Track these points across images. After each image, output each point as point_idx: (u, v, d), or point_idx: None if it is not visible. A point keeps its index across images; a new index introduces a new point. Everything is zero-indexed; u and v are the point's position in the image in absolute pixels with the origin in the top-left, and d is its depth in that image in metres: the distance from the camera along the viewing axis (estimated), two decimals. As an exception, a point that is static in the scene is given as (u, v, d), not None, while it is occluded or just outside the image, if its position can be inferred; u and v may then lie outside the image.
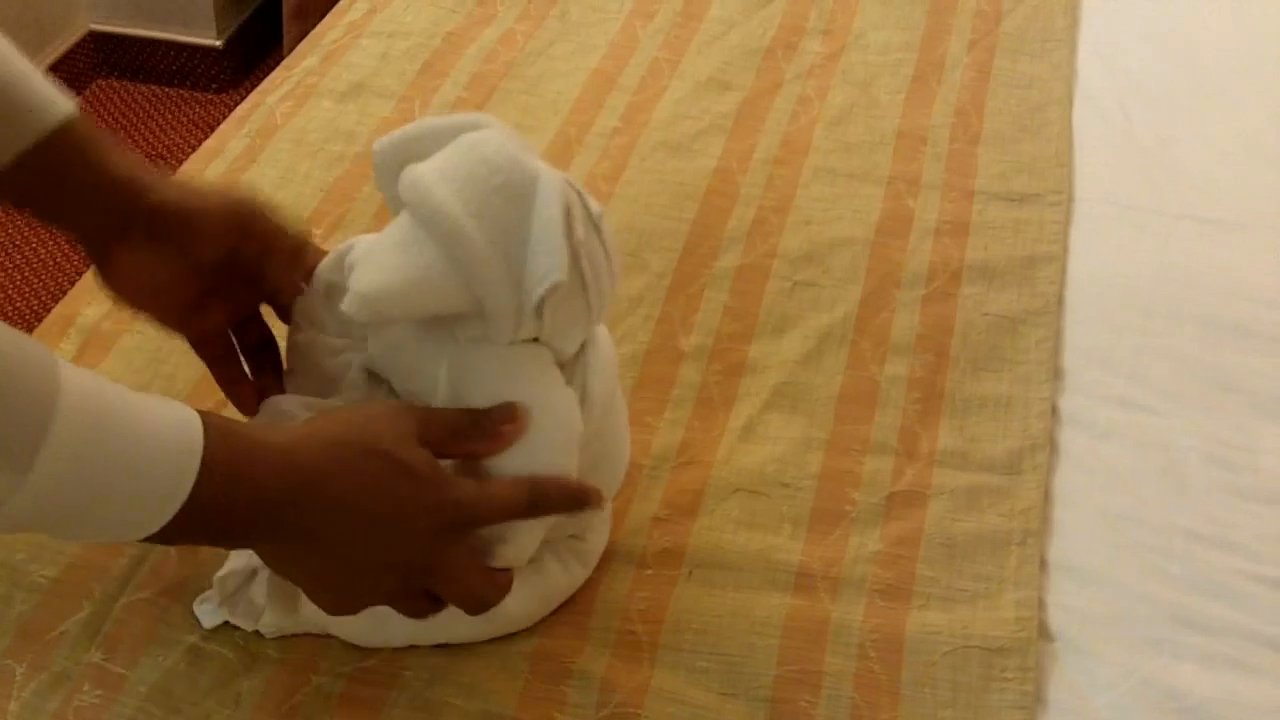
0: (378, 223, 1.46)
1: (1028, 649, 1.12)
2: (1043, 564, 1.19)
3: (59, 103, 1.06)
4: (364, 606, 1.02)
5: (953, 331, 1.39)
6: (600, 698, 1.08)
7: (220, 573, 1.07)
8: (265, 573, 1.06)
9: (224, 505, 0.90)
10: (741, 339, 1.38)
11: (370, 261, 1.02)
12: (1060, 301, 1.43)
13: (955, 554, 1.20)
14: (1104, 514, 1.24)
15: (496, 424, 1.02)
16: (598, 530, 1.17)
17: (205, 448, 0.88)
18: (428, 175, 1.00)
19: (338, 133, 1.60)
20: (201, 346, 1.16)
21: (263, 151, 1.56)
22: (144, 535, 0.88)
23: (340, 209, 1.49)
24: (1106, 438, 1.30)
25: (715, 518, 1.23)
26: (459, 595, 1.02)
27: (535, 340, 1.04)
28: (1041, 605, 1.16)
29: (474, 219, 0.98)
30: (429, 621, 1.07)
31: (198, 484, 0.88)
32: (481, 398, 1.03)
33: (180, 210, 1.08)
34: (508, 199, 1.00)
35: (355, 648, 1.11)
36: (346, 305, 1.00)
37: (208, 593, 1.11)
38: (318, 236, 1.44)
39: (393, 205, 1.07)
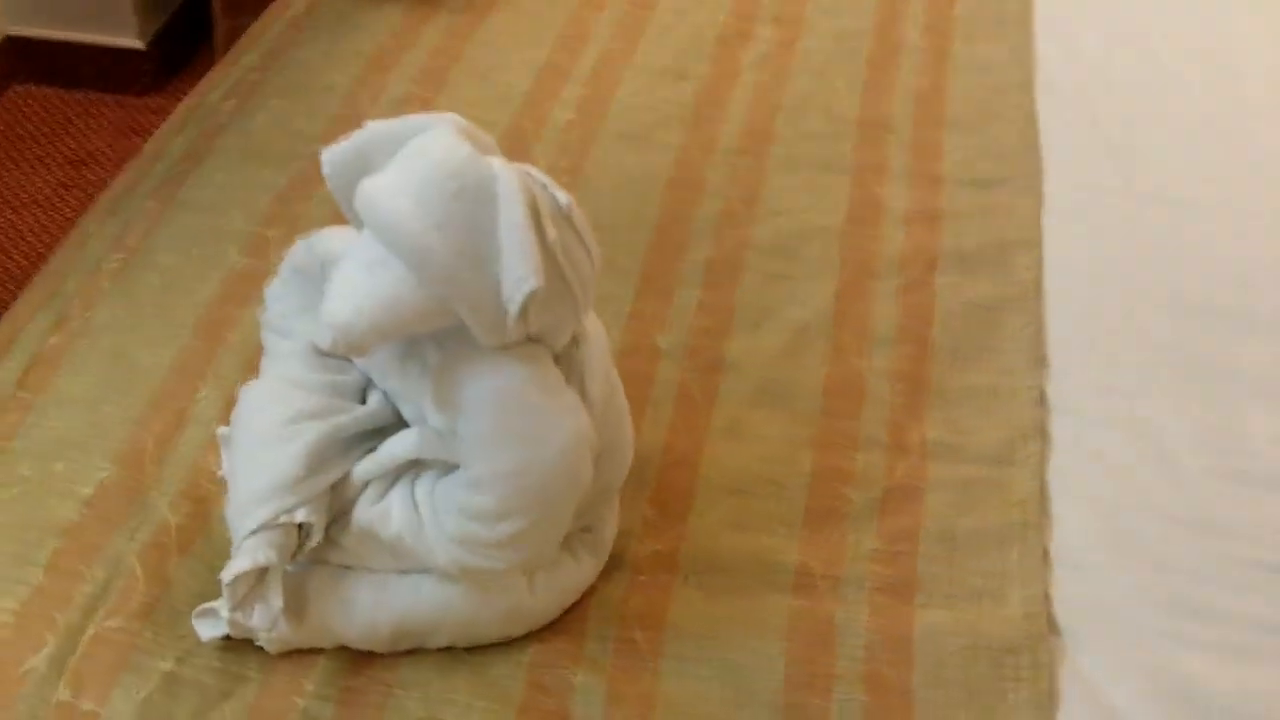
0: (337, 224, 1.40)
1: (1038, 647, 1.09)
2: (1044, 557, 1.17)
3: None
4: None
5: (932, 321, 1.36)
6: (605, 711, 1.04)
7: (226, 577, 1.00)
8: (278, 571, 1.01)
9: None
10: (718, 334, 1.34)
11: (340, 289, 0.96)
12: (1039, 288, 1.40)
13: (956, 550, 1.17)
14: (1100, 504, 1.21)
15: None
16: (608, 521, 1.12)
17: None
18: (382, 191, 0.94)
19: (286, 131, 1.54)
20: None
21: (208, 153, 1.49)
22: None
23: (295, 210, 1.43)
24: (1095, 426, 1.28)
25: (707, 520, 1.18)
26: None
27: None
28: (1046, 600, 1.13)
29: (436, 231, 0.93)
30: (452, 621, 1.04)
31: None
32: (479, 412, 0.98)
33: None
34: (469, 204, 0.94)
35: (341, 666, 1.05)
36: (321, 340, 0.95)
37: (209, 604, 1.04)
38: (274, 240, 1.39)
39: (354, 221, 1.02)
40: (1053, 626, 1.12)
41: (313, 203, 1.44)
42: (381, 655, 1.06)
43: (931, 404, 1.29)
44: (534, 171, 0.99)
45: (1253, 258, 1.45)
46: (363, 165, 0.99)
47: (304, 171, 1.48)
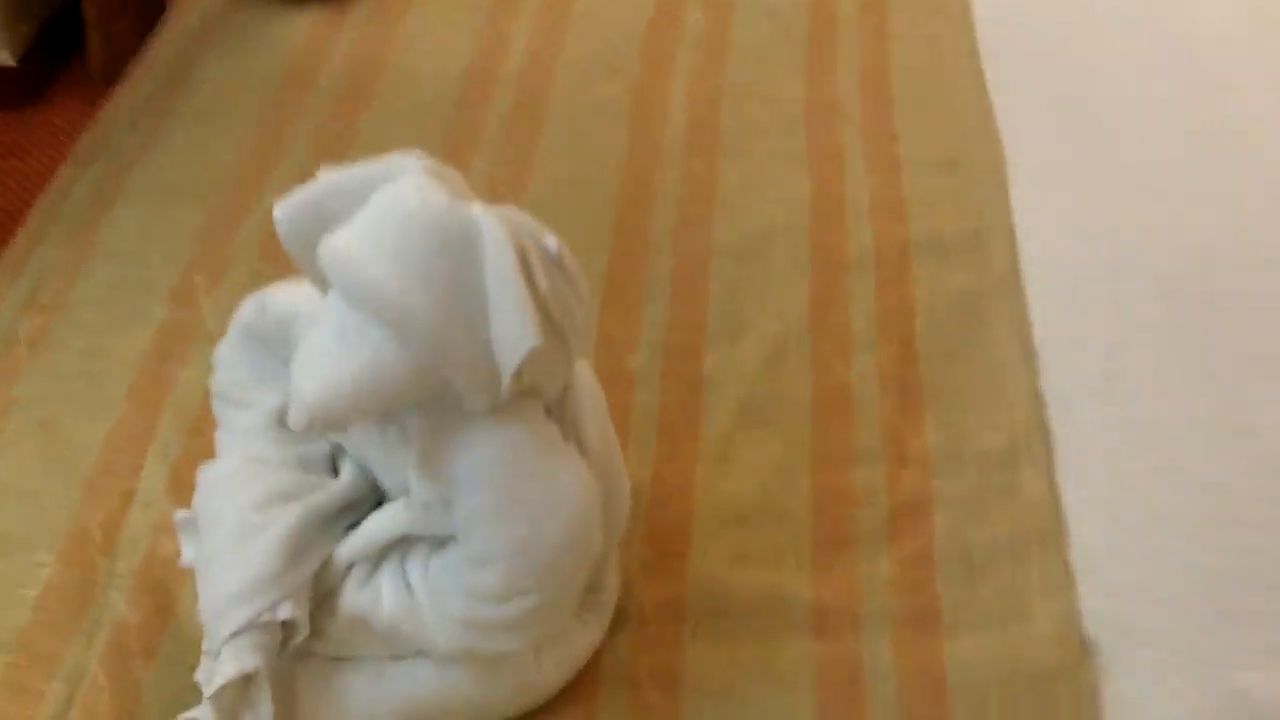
0: (267, 263, 1.30)
1: (1077, 673, 1.03)
2: (1065, 568, 1.11)
3: None
4: None
5: (914, 317, 1.30)
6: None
7: (209, 689, 0.90)
8: (264, 675, 0.91)
9: None
10: (693, 351, 1.26)
11: (309, 362, 0.86)
12: (1018, 276, 1.33)
13: (973, 568, 1.10)
14: (1112, 507, 1.15)
15: None
16: (610, 577, 1.04)
17: None
18: (354, 251, 0.84)
19: (200, 163, 1.42)
20: None
21: (117, 193, 1.37)
22: None
23: (220, 251, 1.32)
24: (1096, 422, 1.22)
25: (709, 557, 1.11)
26: None
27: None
28: (1076, 616, 1.07)
29: (419, 292, 0.83)
30: (457, 705, 0.96)
31: None
32: (476, 485, 0.89)
33: None
34: (453, 258, 0.84)
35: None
36: (293, 420, 0.85)
37: (190, 715, 0.93)
38: (202, 287, 1.28)
39: (314, 279, 0.91)
40: (1086, 645, 1.05)
41: (238, 242, 1.33)
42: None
43: (925, 407, 1.22)
44: (516, 214, 0.89)
45: (1226, 232, 1.39)
46: (322, 220, 0.89)
47: (224, 206, 1.36)
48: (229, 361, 1.03)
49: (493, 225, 0.86)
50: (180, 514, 1.04)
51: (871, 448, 1.19)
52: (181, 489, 1.11)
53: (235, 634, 0.90)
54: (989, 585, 1.09)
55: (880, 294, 1.31)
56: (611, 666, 1.03)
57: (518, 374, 0.86)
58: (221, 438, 1.02)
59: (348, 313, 0.86)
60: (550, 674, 1.00)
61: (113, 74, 1.73)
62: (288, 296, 0.99)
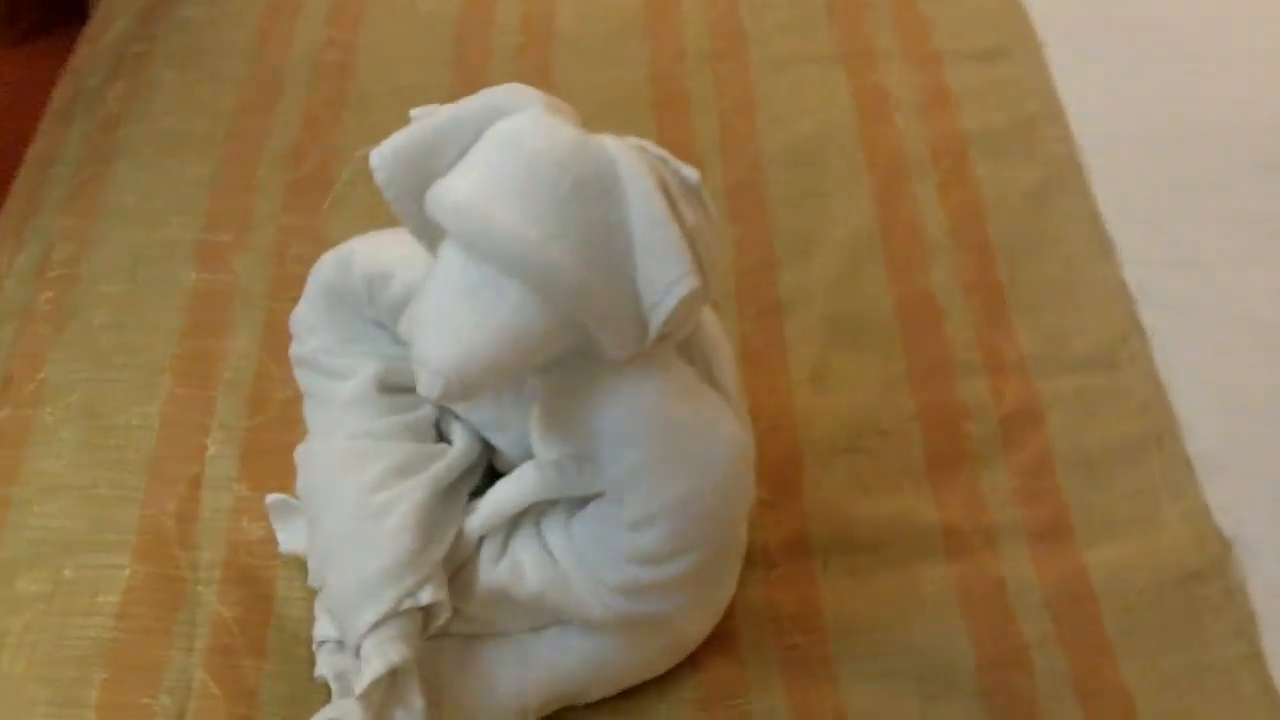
0: (291, 215, 1.20)
1: (1225, 569, 0.99)
2: (1188, 464, 1.06)
3: None
4: None
5: (984, 216, 1.24)
6: (799, 743, 0.90)
7: (358, 688, 0.82)
8: (412, 666, 0.83)
9: None
10: (765, 272, 1.19)
11: (436, 325, 0.77)
12: (1078, 164, 1.28)
13: (1095, 472, 1.06)
14: (1222, 396, 1.12)
15: None
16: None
17: None
18: (479, 199, 0.76)
19: (195, 110, 1.30)
20: None
21: (114, 150, 1.25)
22: None
23: (241, 203, 1.21)
24: (1187, 308, 1.18)
25: (825, 488, 1.05)
26: None
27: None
28: (1208, 513, 1.03)
29: (558, 241, 0.75)
30: (609, 672, 0.90)
31: None
32: (624, 443, 0.81)
33: None
34: (590, 200, 0.76)
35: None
36: (426, 391, 0.76)
37: (329, 715, 0.86)
38: (229, 246, 1.17)
39: (419, 231, 0.82)
40: (1224, 541, 1.02)
41: (257, 192, 1.22)
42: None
43: (1013, 312, 1.17)
44: (647, 144, 0.81)
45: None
46: (428, 166, 0.80)
47: (233, 155, 1.25)
48: (312, 327, 0.93)
49: (630, 160, 0.78)
50: (273, 498, 0.95)
51: (968, 359, 1.13)
52: (254, 468, 1.02)
53: (376, 625, 0.83)
54: (1114, 489, 1.05)
55: (944, 195, 1.25)
56: (748, 611, 0.97)
57: (668, 319, 0.79)
58: (314, 410, 0.93)
59: (473, 267, 0.77)
60: (696, 627, 0.93)
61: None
62: (376, 253, 0.90)
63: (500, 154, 0.78)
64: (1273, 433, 1.09)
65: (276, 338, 1.09)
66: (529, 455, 0.89)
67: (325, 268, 0.92)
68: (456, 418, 0.92)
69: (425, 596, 0.83)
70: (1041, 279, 1.19)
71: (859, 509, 1.03)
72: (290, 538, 0.95)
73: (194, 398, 1.06)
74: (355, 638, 0.83)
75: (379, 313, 0.91)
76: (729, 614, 0.96)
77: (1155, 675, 0.94)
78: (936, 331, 1.15)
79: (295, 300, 1.09)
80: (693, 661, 0.94)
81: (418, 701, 0.84)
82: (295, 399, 1.05)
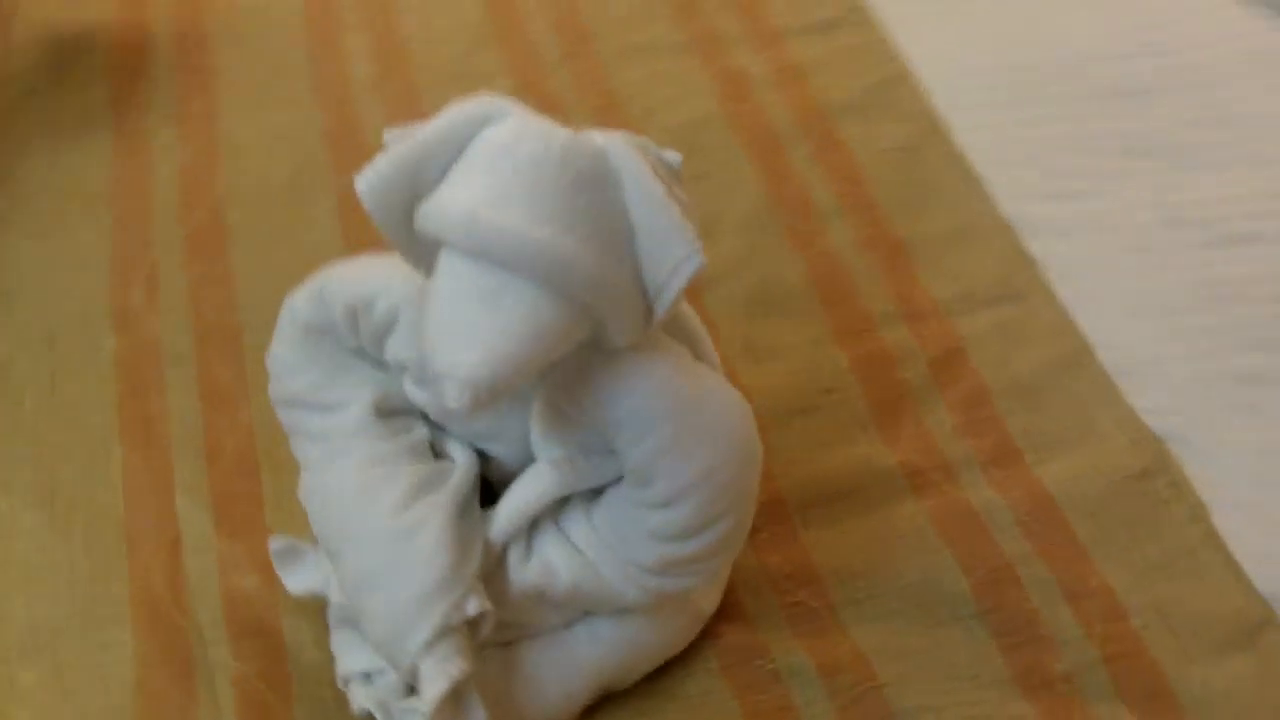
0: (197, 262, 1.17)
1: (1166, 464, 1.07)
2: (1108, 375, 1.14)
3: None
4: None
5: (863, 179, 1.29)
6: (826, 685, 0.94)
7: (426, 708, 0.82)
8: (470, 679, 0.84)
9: None
10: (675, 255, 1.22)
11: (455, 335, 0.77)
12: (939, 121, 1.35)
13: (1028, 397, 1.12)
14: (1122, 305, 1.19)
15: None
16: None
17: None
18: (484, 206, 0.76)
19: (70, 172, 1.26)
20: None
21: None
22: None
23: (141, 262, 1.18)
24: (1067, 233, 1.25)
25: (788, 451, 1.09)
26: None
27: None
28: (1139, 417, 1.11)
29: (571, 237, 0.77)
30: (644, 653, 0.93)
31: None
32: (644, 427, 0.83)
33: None
34: (590, 193, 0.78)
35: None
36: (454, 401, 0.76)
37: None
38: (142, 308, 1.14)
39: (408, 250, 0.83)
40: (1161, 440, 1.09)
41: (157, 246, 1.19)
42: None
43: (913, 260, 1.22)
44: (629, 135, 0.83)
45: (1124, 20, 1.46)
46: (414, 184, 0.81)
47: (123, 214, 1.22)
48: (294, 366, 0.92)
49: (620, 149, 0.80)
50: (277, 543, 0.94)
51: (885, 310, 1.18)
52: (228, 521, 1.00)
53: (430, 644, 0.83)
54: (1047, 410, 1.11)
55: (821, 162, 1.30)
56: (745, 578, 1.00)
57: (676, 298, 0.81)
58: (307, 446, 0.92)
59: (485, 273, 0.78)
60: (710, 600, 0.96)
61: None
62: (353, 281, 0.90)
63: (498, 161, 0.79)
64: (1177, 328, 1.17)
65: (211, 387, 1.08)
66: (525, 461, 0.90)
67: (299, 304, 0.91)
68: (447, 434, 0.93)
69: (472, 607, 0.84)
70: (931, 227, 1.25)
71: (823, 464, 1.08)
72: (298, 579, 0.93)
73: (149, 461, 1.03)
74: (408, 660, 0.83)
75: (362, 340, 0.90)
76: (729, 584, 0.99)
77: (1130, 569, 1.01)
78: (849, 289, 1.20)
79: (222, 349, 1.08)
80: (707, 634, 0.97)
81: (480, 713, 0.85)
82: (248, 446, 1.05)
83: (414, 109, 1.34)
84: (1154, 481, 1.06)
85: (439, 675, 0.82)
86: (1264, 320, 1.17)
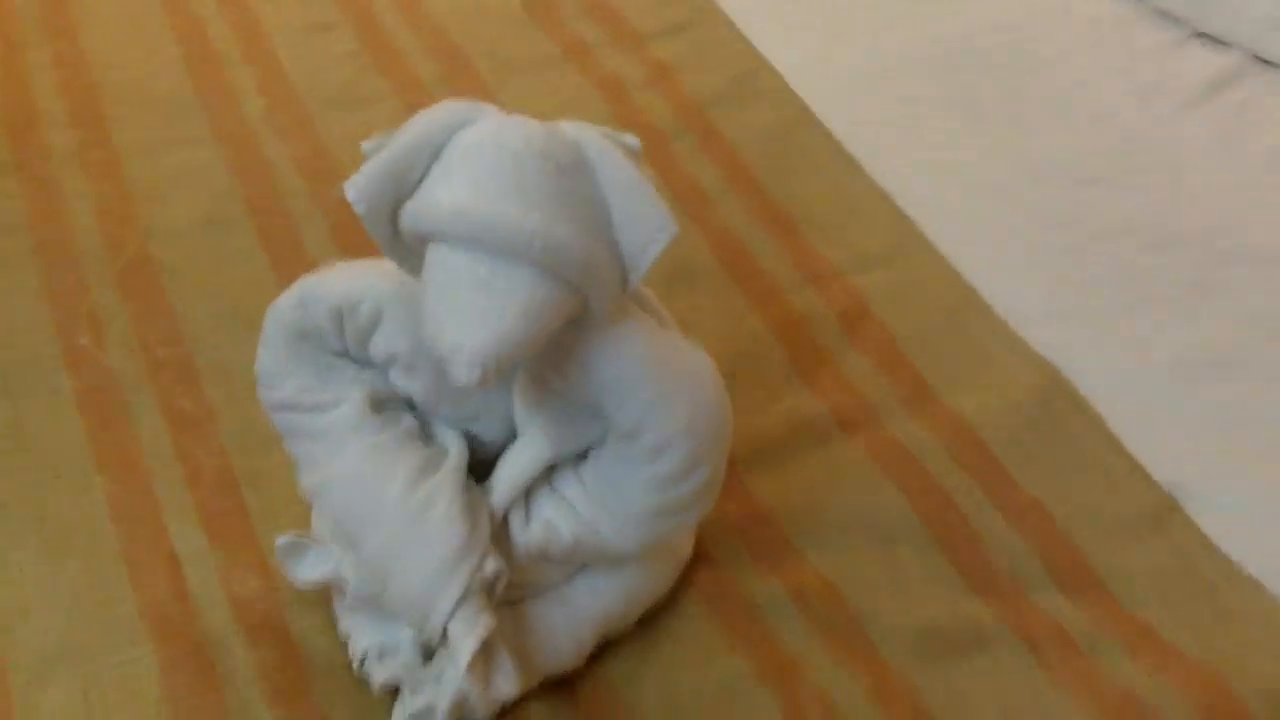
0: (129, 300, 1.21)
1: (1062, 385, 1.18)
2: (991, 313, 1.26)
3: None
4: None
5: (744, 164, 1.40)
6: (799, 607, 1.03)
7: (461, 663, 0.89)
8: (496, 632, 0.91)
9: None
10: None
11: (459, 319, 0.85)
12: (801, 100, 1.46)
13: (928, 341, 1.23)
14: (997, 253, 1.32)
15: None
16: None
17: None
18: (475, 200, 0.84)
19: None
20: None
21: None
22: None
23: (80, 307, 1.21)
24: (937, 196, 1.37)
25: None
26: None
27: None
28: (1027, 345, 1.23)
29: (560, 221, 0.85)
30: (638, 599, 1.00)
31: None
32: (632, 386, 0.90)
33: None
34: (570, 179, 0.87)
35: (552, 701, 0.97)
36: (464, 378, 0.84)
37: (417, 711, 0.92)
38: (89, 348, 1.17)
39: (393, 250, 0.90)
40: (1051, 365, 1.20)
41: (93, 289, 1.23)
42: (580, 675, 0.99)
43: (805, 231, 1.33)
44: (593, 125, 0.92)
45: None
46: (398, 185, 0.88)
47: (54, 263, 1.25)
48: (283, 371, 0.97)
49: (590, 137, 0.89)
50: (283, 540, 0.98)
51: (789, 276, 1.29)
52: (219, 533, 1.05)
53: (456, 606, 0.89)
54: (949, 351, 1.23)
55: (705, 150, 1.41)
56: (709, 527, 1.07)
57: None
58: (305, 446, 0.97)
59: (480, 262, 0.85)
60: (688, 545, 1.05)
61: None
62: (337, 285, 0.95)
63: (482, 157, 0.86)
64: (1048, 269, 1.30)
65: (176, 415, 1.13)
66: (508, 438, 0.98)
67: (284, 312, 0.96)
68: (433, 421, 0.99)
69: (490, 568, 0.91)
70: (814, 200, 1.36)
71: (759, 419, 1.16)
72: (306, 571, 0.98)
73: (130, 487, 1.08)
74: (437, 625, 0.90)
75: (347, 341, 0.96)
76: (696, 536, 1.07)
77: (1048, 478, 1.12)
78: (752, 262, 1.30)
79: (178, 377, 1.13)
80: (685, 580, 1.04)
81: (508, 663, 0.92)
82: (224, 465, 1.09)
83: (311, 137, 1.40)
84: (1055, 402, 1.18)
85: (469, 633, 0.89)
86: (1125, 255, 1.31)
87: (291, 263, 1.25)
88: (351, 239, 1.26)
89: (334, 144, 1.39)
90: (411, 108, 1.46)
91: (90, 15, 1.56)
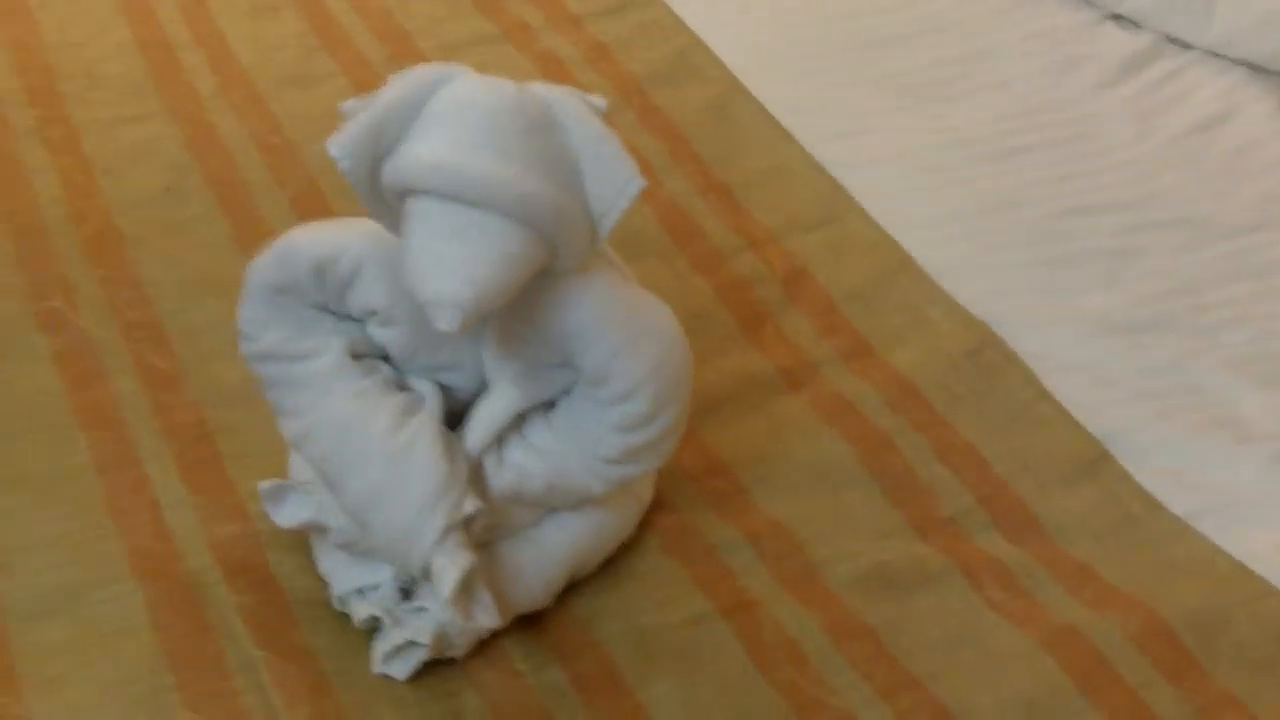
0: (98, 266, 1.24)
1: (993, 341, 1.26)
2: (925, 278, 1.33)
3: None
4: None
5: (686, 137, 1.46)
6: (755, 550, 1.08)
7: (445, 595, 0.93)
8: (476, 565, 0.96)
9: None
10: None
11: (438, 268, 0.90)
12: (735, 79, 1.53)
13: (866, 299, 1.30)
14: (928, 216, 1.39)
15: None
16: None
17: None
18: (453, 154, 0.89)
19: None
20: None
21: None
22: None
23: (51, 271, 1.24)
24: (865, 164, 1.45)
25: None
26: None
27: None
28: (959, 307, 1.30)
29: (530, 173, 0.90)
30: (605, 541, 1.05)
31: None
32: (599, 334, 0.96)
33: None
34: (542, 135, 0.92)
35: (528, 634, 1.02)
36: (445, 323, 0.89)
37: (393, 643, 0.97)
38: (63, 309, 1.20)
39: (374, 205, 0.95)
40: (981, 322, 1.27)
41: (62, 257, 1.26)
42: (551, 613, 1.03)
43: (742, 200, 1.40)
44: (563, 85, 0.97)
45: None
46: (379, 143, 0.93)
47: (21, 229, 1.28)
48: (264, 323, 1.01)
49: (559, 96, 0.95)
50: (265, 484, 1.02)
51: (730, 242, 1.35)
52: (198, 482, 1.09)
53: (438, 541, 0.94)
54: (885, 310, 1.30)
55: (645, 126, 1.47)
56: (666, 476, 1.13)
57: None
58: (288, 394, 1.01)
59: (457, 212, 0.90)
60: (649, 491, 1.10)
61: None
62: (315, 241, 0.99)
63: (459, 114, 0.91)
64: (972, 231, 1.37)
65: (150, 374, 1.17)
66: (478, 388, 1.02)
67: (265, 267, 1.00)
68: (408, 372, 1.03)
69: (469, 506, 0.96)
70: (751, 170, 1.43)
71: (708, 377, 1.22)
72: (287, 513, 1.02)
73: (111, 440, 1.11)
74: (421, 559, 0.95)
75: (326, 295, 1.00)
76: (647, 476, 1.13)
77: (984, 427, 1.18)
78: (695, 229, 1.36)
79: (150, 339, 1.17)
80: (646, 524, 1.10)
81: (487, 596, 0.97)
82: (198, 418, 1.14)
83: (264, 113, 1.44)
84: (987, 354, 1.25)
85: (451, 566, 0.94)
86: (1047, 222, 1.38)
87: (251, 231, 1.28)
88: (310, 206, 1.30)
89: (287, 120, 1.43)
90: (360, 86, 1.53)
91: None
